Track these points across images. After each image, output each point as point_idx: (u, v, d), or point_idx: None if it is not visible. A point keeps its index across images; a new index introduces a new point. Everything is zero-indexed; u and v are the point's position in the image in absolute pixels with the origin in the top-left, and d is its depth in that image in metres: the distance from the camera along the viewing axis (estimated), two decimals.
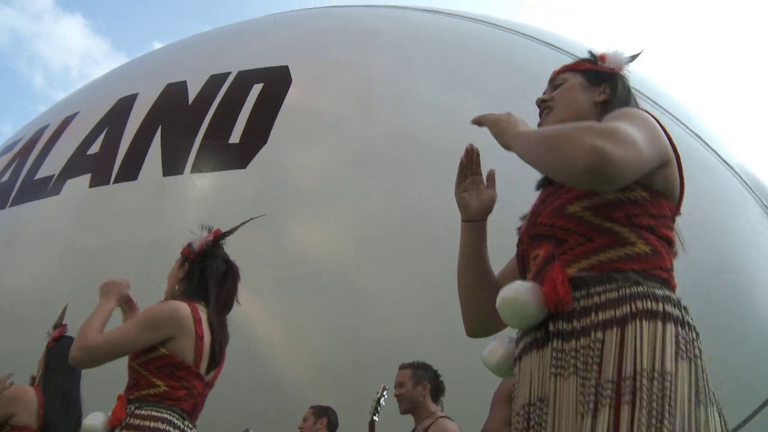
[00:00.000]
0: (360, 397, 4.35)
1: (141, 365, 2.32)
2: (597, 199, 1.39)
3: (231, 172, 6.03)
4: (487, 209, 1.68)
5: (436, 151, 5.88)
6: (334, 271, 5.47)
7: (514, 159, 1.48)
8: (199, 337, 2.34)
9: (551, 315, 1.33)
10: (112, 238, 6.43)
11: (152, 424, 2.21)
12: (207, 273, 2.50)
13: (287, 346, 5.43)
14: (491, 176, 1.70)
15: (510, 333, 1.57)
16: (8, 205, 7.63)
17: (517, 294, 1.35)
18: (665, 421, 1.15)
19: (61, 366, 3.45)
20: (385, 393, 3.46)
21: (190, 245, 2.57)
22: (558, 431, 1.21)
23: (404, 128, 6.03)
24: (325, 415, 4.37)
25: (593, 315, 1.29)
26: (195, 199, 6.13)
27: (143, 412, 2.25)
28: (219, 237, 2.60)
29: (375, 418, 3.39)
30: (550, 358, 1.29)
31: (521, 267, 1.54)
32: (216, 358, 2.44)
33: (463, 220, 1.69)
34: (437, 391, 3.62)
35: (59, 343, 3.54)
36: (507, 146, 1.49)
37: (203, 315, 2.40)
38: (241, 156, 6.05)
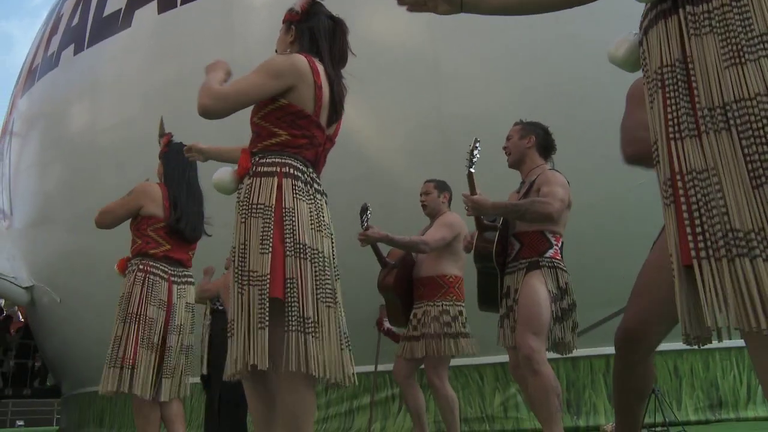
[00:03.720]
0: (451, 173, 4.44)
1: (262, 118, 2.36)
2: None
3: None
4: None
5: None
6: (413, 55, 5.44)
7: None
8: (318, 87, 2.35)
9: None
10: (190, 62, 6.49)
11: (277, 169, 2.28)
12: (315, 30, 2.47)
13: (376, 134, 5.55)
14: None
15: None
16: (86, 46, 7.80)
17: None
18: None
19: (179, 164, 3.70)
20: (477, 145, 3.46)
21: (291, 9, 2.54)
22: (706, 83, 1.25)
23: None
24: (447, 189, 4.31)
25: None
26: (263, 5, 6.08)
27: (268, 160, 2.31)
28: None
29: (472, 170, 3.41)
30: (683, 22, 1.31)
31: None
32: (337, 110, 2.46)
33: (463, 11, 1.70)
34: (546, 147, 3.55)
35: (171, 148, 3.79)
36: None
37: (319, 65, 2.40)
38: None
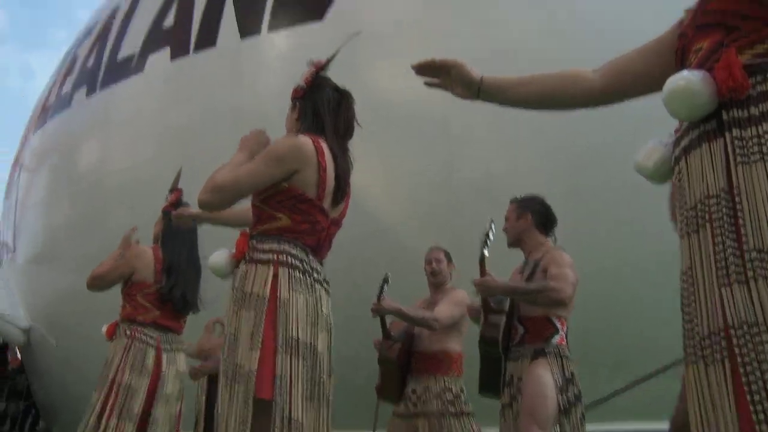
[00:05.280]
0: (460, 237, 4.35)
1: (263, 201, 2.29)
2: None
3: (308, 26, 5.92)
4: (466, 78, 1.71)
5: None
6: (424, 114, 5.39)
7: None
8: (322, 169, 2.27)
9: (722, 105, 1.23)
10: (200, 108, 6.52)
11: (273, 257, 2.20)
12: (319, 104, 2.40)
13: (385, 192, 5.49)
14: (429, 65, 1.78)
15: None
16: (98, 88, 7.84)
17: (689, 83, 1.24)
18: None
19: (180, 228, 3.59)
20: (492, 227, 3.38)
21: (296, 86, 2.47)
22: (755, 220, 1.12)
23: None
24: (452, 261, 4.17)
25: None
26: (275, 57, 6.10)
27: (264, 245, 2.23)
28: (321, 67, 2.48)
29: (485, 252, 3.33)
30: (729, 147, 1.19)
31: (680, 63, 1.41)
32: (341, 188, 2.36)
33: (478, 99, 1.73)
34: (545, 222, 3.46)
35: (176, 207, 3.65)
36: None
37: (324, 145, 2.32)
38: (316, 8, 5.91)
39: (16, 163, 10.51)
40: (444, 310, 3.88)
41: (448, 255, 4.18)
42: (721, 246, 1.16)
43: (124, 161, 7.41)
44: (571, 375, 3.13)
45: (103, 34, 8.27)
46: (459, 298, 3.95)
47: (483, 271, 3.25)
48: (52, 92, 9.55)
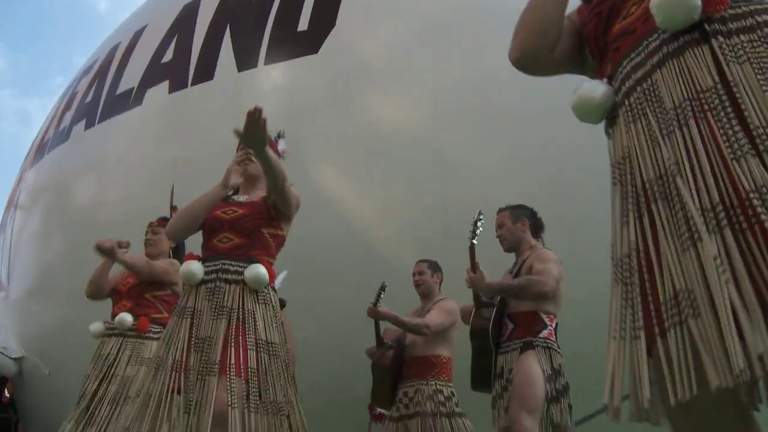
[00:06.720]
0: (451, 259, 4.45)
1: (271, 235, 2.85)
2: None
3: (304, 58, 6.09)
4: None
5: (510, 14, 5.79)
6: (416, 143, 5.53)
7: None
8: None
9: (702, 21, 1.30)
10: (198, 141, 6.62)
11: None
12: None
13: (377, 218, 5.59)
14: None
15: None
16: (96, 122, 7.95)
17: None
18: None
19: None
20: (481, 217, 3.54)
21: (280, 145, 2.96)
22: (755, 104, 1.20)
23: None
24: (439, 270, 4.41)
25: (749, 18, 1.28)
26: (272, 89, 6.25)
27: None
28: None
29: (474, 242, 3.48)
30: (717, 50, 1.27)
31: (605, 22, 1.50)
32: None
33: None
34: (536, 227, 3.68)
35: None
36: None
37: None
38: (312, 42, 6.09)
39: (10, 203, 10.54)
40: (435, 317, 4.04)
41: (433, 265, 4.34)
42: (727, 127, 1.21)
43: (117, 195, 7.47)
44: (558, 366, 3.25)
45: (103, 70, 8.42)
46: (449, 307, 4.10)
47: (473, 261, 3.39)
48: (50, 128, 9.64)
